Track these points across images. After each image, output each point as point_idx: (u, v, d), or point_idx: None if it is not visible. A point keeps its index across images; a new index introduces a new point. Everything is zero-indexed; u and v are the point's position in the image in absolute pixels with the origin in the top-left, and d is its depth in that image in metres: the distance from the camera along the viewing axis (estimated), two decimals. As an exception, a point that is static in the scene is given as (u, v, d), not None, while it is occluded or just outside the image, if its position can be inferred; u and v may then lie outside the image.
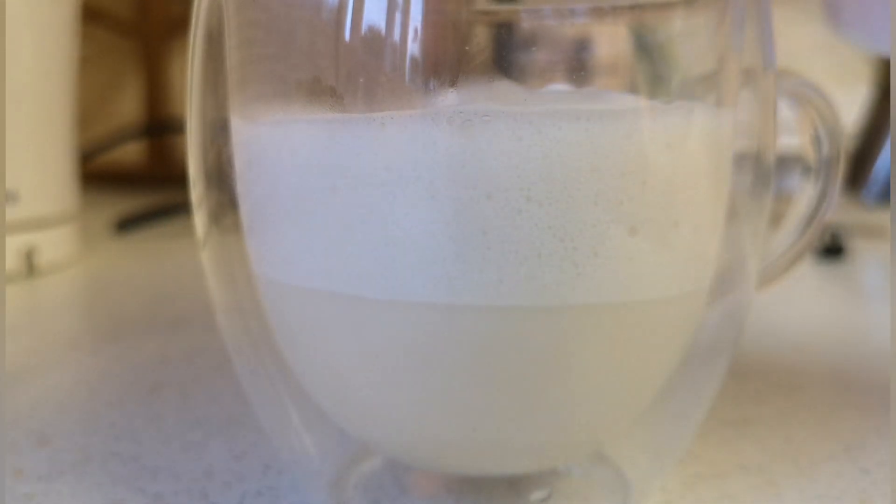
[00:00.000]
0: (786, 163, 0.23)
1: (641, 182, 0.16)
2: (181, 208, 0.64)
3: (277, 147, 0.17)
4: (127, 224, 0.64)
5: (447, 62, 0.16)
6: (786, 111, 0.21)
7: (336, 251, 0.17)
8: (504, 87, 0.17)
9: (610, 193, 0.16)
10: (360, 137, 0.16)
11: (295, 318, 0.18)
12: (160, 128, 0.99)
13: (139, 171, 0.98)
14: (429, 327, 0.16)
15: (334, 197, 0.16)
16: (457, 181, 0.15)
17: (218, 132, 0.19)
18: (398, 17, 0.15)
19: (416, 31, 0.15)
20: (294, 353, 0.19)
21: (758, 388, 0.30)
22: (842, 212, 0.66)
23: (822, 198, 0.22)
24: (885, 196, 0.68)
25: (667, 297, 0.17)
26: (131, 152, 0.99)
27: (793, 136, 0.22)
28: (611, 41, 0.17)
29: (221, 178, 0.20)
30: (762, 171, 0.20)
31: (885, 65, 0.71)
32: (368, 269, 0.16)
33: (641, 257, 0.16)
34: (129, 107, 1.07)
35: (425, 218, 0.16)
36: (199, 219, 0.20)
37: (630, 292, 0.17)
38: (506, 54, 0.17)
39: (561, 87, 0.17)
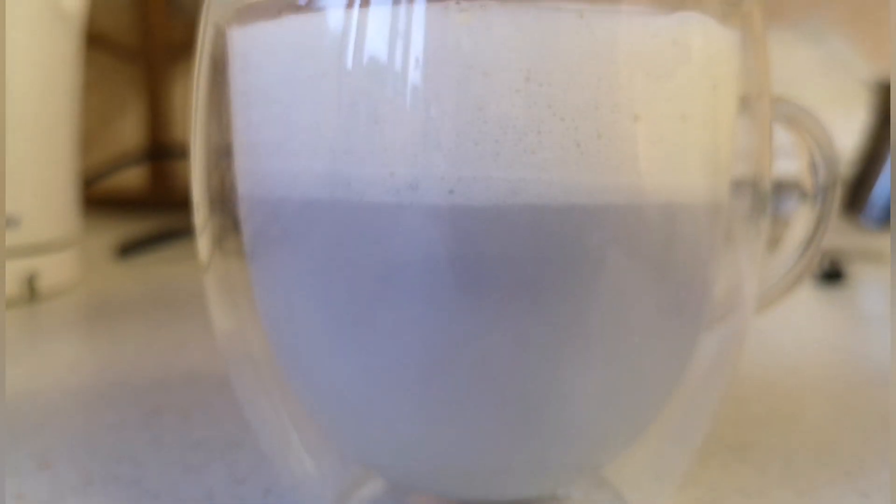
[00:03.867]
0: (783, 188, 0.24)
1: (644, 72, 0.16)
2: (182, 233, 0.64)
3: (269, 41, 0.17)
4: (128, 249, 0.64)
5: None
6: (782, 137, 0.21)
7: (327, 134, 0.16)
8: None
9: (611, 78, 0.15)
10: (353, 26, 0.16)
11: (282, 233, 0.18)
12: (162, 153, 0.99)
13: (141, 196, 0.99)
14: (426, 209, 0.16)
15: (323, 83, 0.16)
16: (451, 60, 0.15)
17: (222, 157, 0.20)
18: (400, 45, 0.16)
19: (417, 60, 0.15)
20: (282, 322, 0.19)
21: (757, 412, 0.30)
22: (841, 237, 0.66)
23: (819, 223, 0.22)
24: (884, 220, 0.68)
25: (677, 188, 0.17)
26: (133, 177, 1.00)
27: (790, 161, 0.22)
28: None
29: (224, 202, 0.20)
30: (759, 196, 0.20)
31: (883, 90, 0.72)
32: (360, 149, 0.16)
33: (648, 144, 0.16)
34: (131, 132, 1.08)
35: (418, 96, 0.15)
36: (203, 243, 0.20)
37: (639, 176, 0.16)
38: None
39: None
